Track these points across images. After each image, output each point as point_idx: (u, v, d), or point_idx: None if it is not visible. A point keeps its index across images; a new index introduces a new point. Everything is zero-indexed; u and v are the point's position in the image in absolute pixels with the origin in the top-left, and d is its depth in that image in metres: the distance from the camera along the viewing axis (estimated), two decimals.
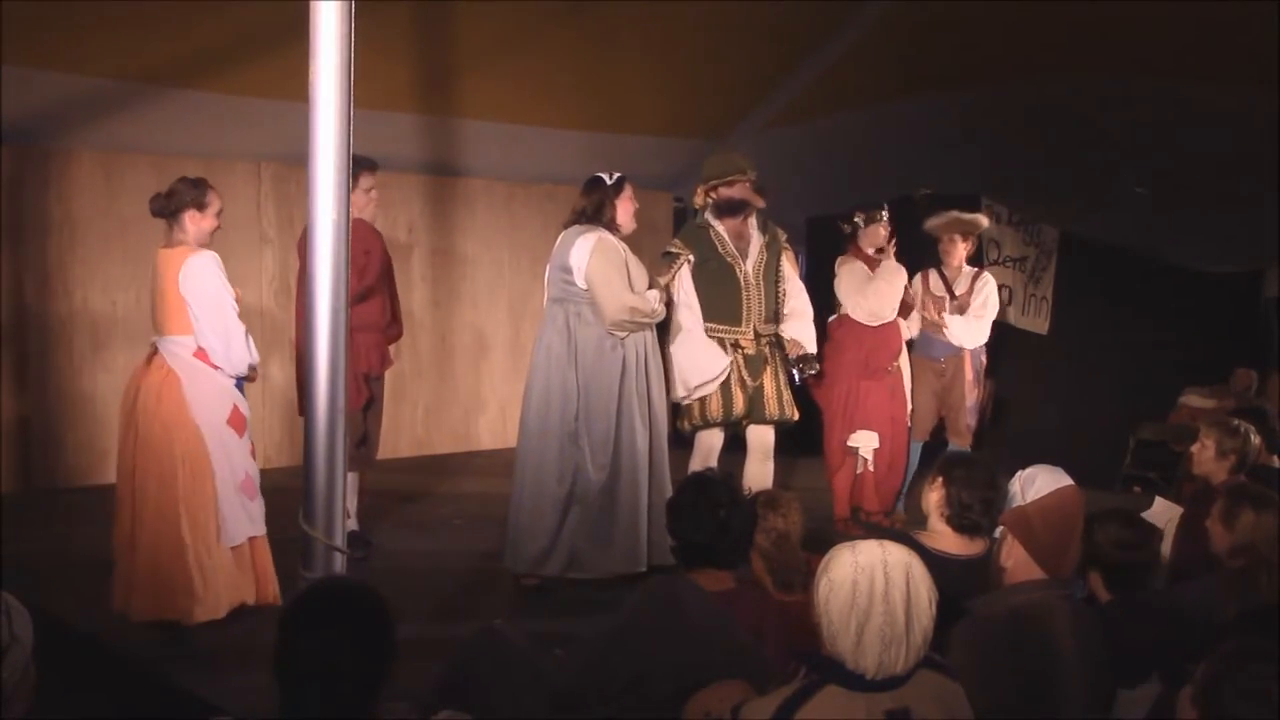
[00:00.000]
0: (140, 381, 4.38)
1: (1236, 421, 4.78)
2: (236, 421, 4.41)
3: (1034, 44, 7.04)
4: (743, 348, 5.57)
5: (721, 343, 5.54)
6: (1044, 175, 8.33)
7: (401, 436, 8.29)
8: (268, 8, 5.50)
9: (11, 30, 5.41)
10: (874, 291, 6.29)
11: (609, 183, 5.07)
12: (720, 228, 5.62)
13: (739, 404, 5.52)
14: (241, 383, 4.50)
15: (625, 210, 5.10)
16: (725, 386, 5.50)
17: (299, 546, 3.30)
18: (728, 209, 5.61)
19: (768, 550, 3.61)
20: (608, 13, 6.85)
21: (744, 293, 5.58)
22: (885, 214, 6.38)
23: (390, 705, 2.17)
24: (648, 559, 4.95)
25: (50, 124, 6.57)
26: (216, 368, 4.36)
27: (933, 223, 6.82)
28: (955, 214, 6.84)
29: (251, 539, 4.47)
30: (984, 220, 6.97)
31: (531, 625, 4.22)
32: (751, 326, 5.59)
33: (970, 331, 6.79)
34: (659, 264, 5.65)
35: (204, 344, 4.34)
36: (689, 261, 5.58)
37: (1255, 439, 4.68)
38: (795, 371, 5.74)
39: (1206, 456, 4.69)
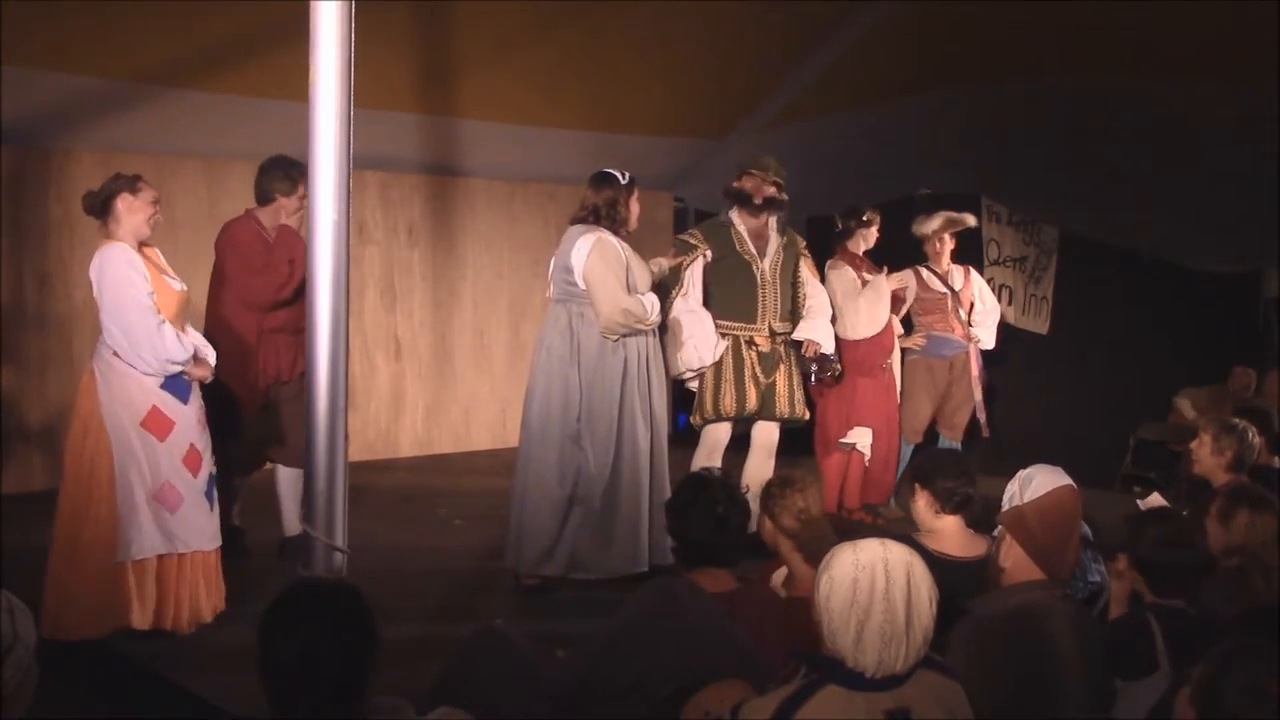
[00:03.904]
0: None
1: (1235, 420, 4.78)
2: (155, 424, 4.05)
3: (1034, 44, 7.03)
4: (757, 345, 5.60)
5: (736, 340, 5.57)
6: (1044, 175, 8.32)
7: (401, 436, 8.29)
8: (268, 8, 5.50)
9: (11, 30, 5.40)
10: (862, 309, 6.32)
11: (622, 181, 5.06)
12: (741, 227, 5.66)
13: (752, 400, 5.55)
14: (181, 382, 4.15)
15: (635, 210, 5.12)
16: (739, 381, 5.53)
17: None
18: (736, 198, 5.65)
19: (795, 530, 3.62)
20: (609, 12, 6.84)
21: (760, 290, 5.61)
22: (873, 216, 6.43)
23: (378, 700, 2.17)
24: (649, 559, 4.96)
25: (50, 124, 6.56)
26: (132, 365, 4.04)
27: (930, 226, 6.78)
28: (947, 214, 6.84)
29: (165, 557, 4.08)
30: (971, 218, 6.97)
31: (532, 625, 4.23)
32: (766, 324, 5.62)
33: (993, 331, 6.90)
34: (673, 247, 5.71)
35: (108, 339, 4.04)
36: (705, 256, 5.59)
37: (1254, 438, 4.68)
38: (812, 372, 5.75)
39: (1205, 455, 4.69)
